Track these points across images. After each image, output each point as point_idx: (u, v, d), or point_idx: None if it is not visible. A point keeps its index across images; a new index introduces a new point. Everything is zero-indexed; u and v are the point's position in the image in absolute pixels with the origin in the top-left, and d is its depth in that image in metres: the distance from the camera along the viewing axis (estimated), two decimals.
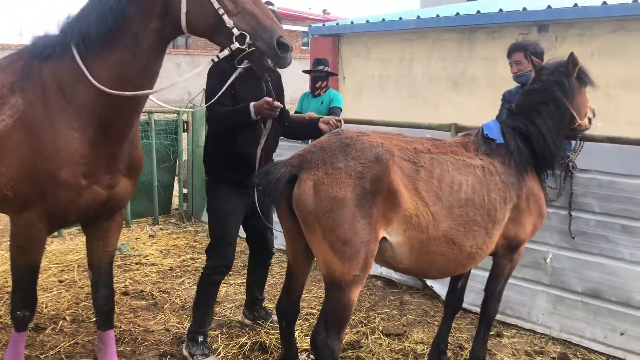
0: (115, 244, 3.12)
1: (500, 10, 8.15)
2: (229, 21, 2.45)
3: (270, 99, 3.27)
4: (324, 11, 33.38)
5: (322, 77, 6.14)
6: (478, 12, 8.36)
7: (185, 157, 6.93)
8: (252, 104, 3.31)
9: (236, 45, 2.46)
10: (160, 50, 2.65)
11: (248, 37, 2.45)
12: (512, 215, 3.11)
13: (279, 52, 2.49)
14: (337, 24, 10.70)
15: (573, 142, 3.81)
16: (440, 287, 4.35)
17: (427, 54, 9.28)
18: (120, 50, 2.55)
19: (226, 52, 2.53)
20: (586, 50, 7.55)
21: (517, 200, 3.11)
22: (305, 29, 15.25)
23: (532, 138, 3.20)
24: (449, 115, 8.59)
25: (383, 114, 9.30)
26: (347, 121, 5.98)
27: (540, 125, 3.22)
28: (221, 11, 2.45)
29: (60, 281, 4.61)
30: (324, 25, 11.10)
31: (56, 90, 2.61)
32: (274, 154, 3.68)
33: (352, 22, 10.42)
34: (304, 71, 6.48)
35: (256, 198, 3.01)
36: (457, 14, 8.58)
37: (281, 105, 3.40)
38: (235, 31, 2.45)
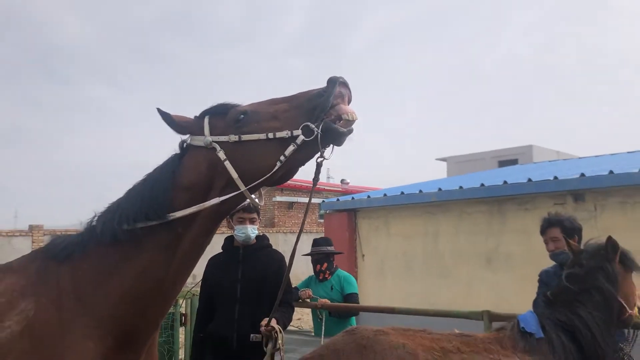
0: None
1: (529, 179, 8.50)
2: (285, 132, 2.45)
3: None
4: (342, 181, 34.84)
5: (321, 258, 6.13)
6: (505, 182, 8.72)
7: (181, 355, 6.82)
8: None
9: (303, 138, 2.41)
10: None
11: (309, 124, 2.41)
12: None
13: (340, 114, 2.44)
14: (352, 198, 11.15)
15: (625, 330, 3.75)
16: None
17: (454, 228, 9.51)
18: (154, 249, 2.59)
19: (315, 157, 2.51)
20: (630, 219, 7.68)
21: None
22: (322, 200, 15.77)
23: (578, 333, 3.18)
24: (484, 297, 8.53)
25: (409, 297, 9.28)
26: (364, 309, 6.01)
27: (585, 317, 3.22)
28: (270, 135, 2.48)
29: None
30: (338, 200, 11.56)
31: (71, 294, 2.60)
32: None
33: (368, 196, 10.87)
34: (303, 255, 6.55)
35: None
36: (482, 185, 8.94)
37: None
38: (297, 132, 2.43)
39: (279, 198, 29.07)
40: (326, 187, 32.05)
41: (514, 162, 21.79)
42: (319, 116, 2.41)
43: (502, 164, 22.05)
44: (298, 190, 29.09)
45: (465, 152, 25.96)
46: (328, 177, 36.72)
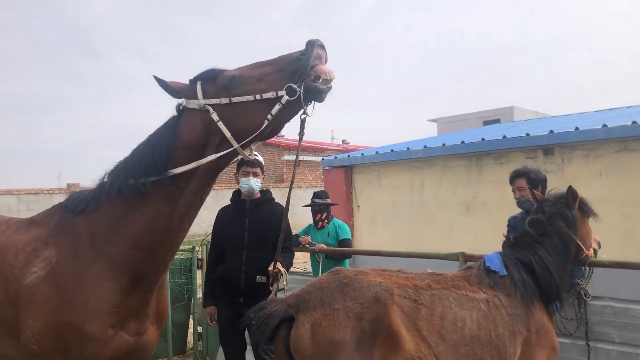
0: None
1: (504, 136, 8.41)
2: (271, 93, 2.42)
3: (211, 314, 4.33)
4: (344, 141, 34.99)
5: (321, 209, 6.12)
6: (483, 139, 8.64)
7: (199, 294, 6.90)
8: (206, 310, 4.38)
9: (287, 98, 2.39)
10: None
11: (292, 85, 2.38)
12: (523, 351, 3.00)
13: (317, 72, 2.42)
14: (348, 156, 11.11)
15: (583, 268, 3.75)
16: None
17: (437, 180, 9.47)
18: (159, 201, 2.59)
19: (299, 114, 2.48)
20: (593, 170, 7.64)
21: (527, 334, 3.02)
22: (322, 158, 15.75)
23: (536, 270, 3.17)
24: (464, 241, 8.55)
25: (398, 242, 9.32)
26: (355, 252, 6.02)
27: (543, 257, 3.21)
28: (258, 96, 2.44)
29: None
30: (335, 157, 11.51)
31: (88, 243, 2.63)
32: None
33: (362, 154, 10.81)
34: (304, 206, 6.54)
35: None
36: (462, 142, 8.86)
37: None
38: (281, 92, 2.40)
39: (286, 157, 29.00)
40: (329, 147, 31.97)
41: (497, 121, 21.45)
42: (300, 77, 2.38)
43: (487, 123, 21.71)
44: (303, 149, 28.97)
45: (453, 114, 25.56)
46: (332, 138, 36.78)
